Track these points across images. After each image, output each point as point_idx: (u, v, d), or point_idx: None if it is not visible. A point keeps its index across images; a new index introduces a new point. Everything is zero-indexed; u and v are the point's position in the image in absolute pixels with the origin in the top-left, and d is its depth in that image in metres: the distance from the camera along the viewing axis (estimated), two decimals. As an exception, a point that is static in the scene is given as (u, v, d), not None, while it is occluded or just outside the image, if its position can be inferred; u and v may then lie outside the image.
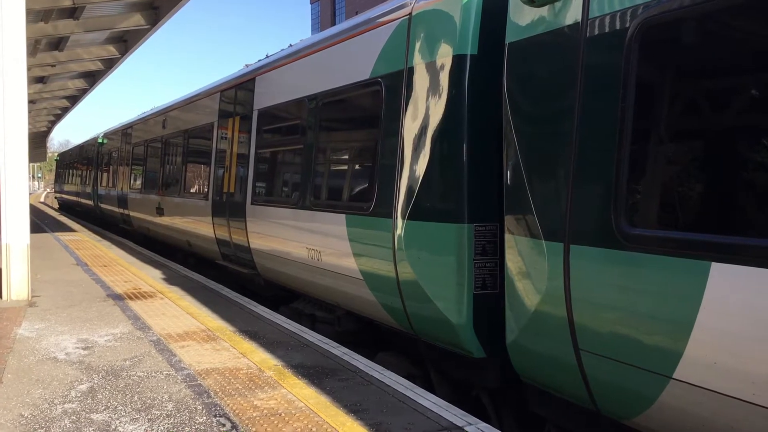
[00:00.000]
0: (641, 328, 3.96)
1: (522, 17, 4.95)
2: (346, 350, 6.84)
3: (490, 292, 5.65)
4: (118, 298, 9.73)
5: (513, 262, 5.02)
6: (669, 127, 4.02)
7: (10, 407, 5.13)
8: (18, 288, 9.60)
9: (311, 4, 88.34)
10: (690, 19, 3.79)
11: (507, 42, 5.10)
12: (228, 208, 11.18)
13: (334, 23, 75.05)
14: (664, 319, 3.81)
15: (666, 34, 3.92)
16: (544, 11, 4.74)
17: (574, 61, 4.43)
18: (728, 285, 3.46)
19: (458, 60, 5.73)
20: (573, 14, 4.48)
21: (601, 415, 4.50)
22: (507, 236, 5.09)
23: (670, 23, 3.87)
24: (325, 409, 5.10)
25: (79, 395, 5.41)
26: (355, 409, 5.08)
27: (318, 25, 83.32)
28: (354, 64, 7.44)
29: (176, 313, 8.67)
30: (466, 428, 4.69)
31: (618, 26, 4.15)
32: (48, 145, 72.18)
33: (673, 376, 3.76)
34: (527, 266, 4.86)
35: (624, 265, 4.04)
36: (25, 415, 4.97)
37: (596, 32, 4.30)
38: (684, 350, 3.68)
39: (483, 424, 4.77)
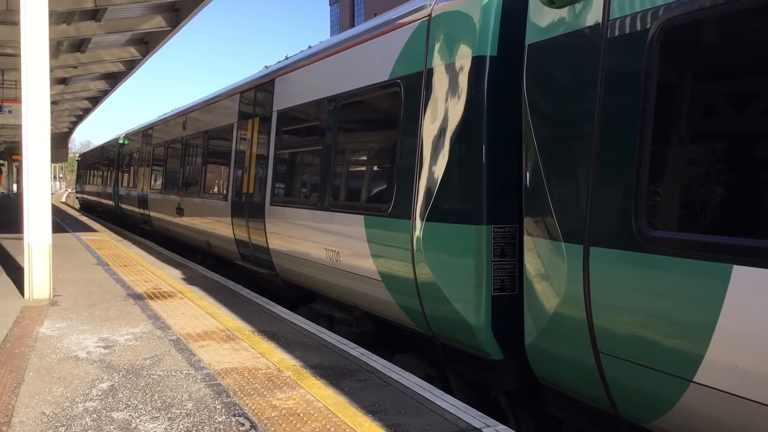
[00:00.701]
0: (661, 331, 3.93)
1: (542, 18, 4.94)
2: (364, 351, 6.85)
3: (508, 294, 5.63)
4: (138, 297, 9.81)
5: (532, 263, 5.01)
6: (690, 129, 3.99)
7: (33, 405, 5.19)
8: (40, 287, 9.71)
9: (330, 5, 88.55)
10: (711, 20, 3.76)
11: (527, 43, 5.09)
12: (247, 208, 11.23)
13: (352, 25, 75.19)
14: (684, 322, 3.78)
15: (687, 36, 3.90)
16: (564, 12, 4.72)
17: (594, 62, 4.41)
18: (750, 288, 3.42)
19: (477, 61, 5.72)
20: (594, 15, 4.46)
21: (620, 418, 4.47)
22: (526, 238, 5.08)
23: (691, 24, 3.85)
24: (344, 409, 5.11)
25: (100, 393, 5.46)
26: (373, 410, 5.09)
27: (337, 26, 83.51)
28: (373, 65, 7.45)
29: (196, 312, 8.73)
30: (483, 430, 4.68)
31: (639, 27, 4.12)
32: (69, 145, 72.93)
33: (694, 380, 3.73)
34: (546, 268, 4.84)
35: (644, 267, 4.01)
36: (47, 412, 5.03)
37: (617, 33, 4.28)
38: (705, 353, 3.65)
39: (501, 426, 4.76)
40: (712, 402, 3.68)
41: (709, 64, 3.90)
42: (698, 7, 3.78)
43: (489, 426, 4.76)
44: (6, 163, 63.42)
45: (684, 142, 4.01)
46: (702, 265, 3.67)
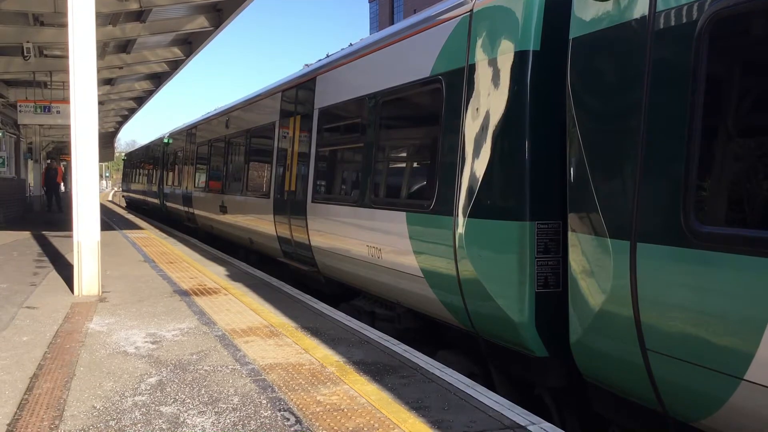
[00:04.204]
0: (711, 329, 3.86)
1: (586, 12, 4.88)
2: (406, 347, 6.85)
3: (552, 291, 5.59)
4: (184, 293, 9.97)
5: (576, 260, 4.96)
6: (740, 122, 3.91)
7: (84, 399, 5.31)
8: (89, 284, 9.91)
9: (369, 2, 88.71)
10: (760, 12, 3.68)
11: (570, 37, 5.04)
12: (289, 206, 11.33)
13: (392, 22, 75.18)
14: (734, 319, 3.71)
15: (735, 27, 3.82)
16: (609, 6, 4.66)
17: (641, 55, 4.35)
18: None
19: (520, 56, 5.68)
20: (640, 8, 4.39)
21: (668, 417, 4.41)
22: (570, 234, 5.03)
23: (739, 16, 3.77)
24: (387, 405, 5.13)
25: (148, 388, 5.57)
26: (416, 406, 5.10)
27: (376, 23, 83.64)
28: (414, 62, 7.45)
29: (240, 309, 8.84)
30: (528, 427, 4.65)
31: (686, 19, 4.05)
32: (115, 145, 74.28)
33: (744, 378, 3.66)
34: (591, 265, 4.79)
35: (693, 263, 3.95)
36: (98, 406, 5.14)
37: (664, 26, 4.21)
38: (756, 351, 3.58)
39: (546, 424, 4.73)
40: (763, 400, 3.60)
41: (759, 56, 3.81)
42: (748, -2, 3.70)
43: (534, 423, 4.72)
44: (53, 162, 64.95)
45: (733, 135, 3.93)
46: (753, 261, 3.59)
